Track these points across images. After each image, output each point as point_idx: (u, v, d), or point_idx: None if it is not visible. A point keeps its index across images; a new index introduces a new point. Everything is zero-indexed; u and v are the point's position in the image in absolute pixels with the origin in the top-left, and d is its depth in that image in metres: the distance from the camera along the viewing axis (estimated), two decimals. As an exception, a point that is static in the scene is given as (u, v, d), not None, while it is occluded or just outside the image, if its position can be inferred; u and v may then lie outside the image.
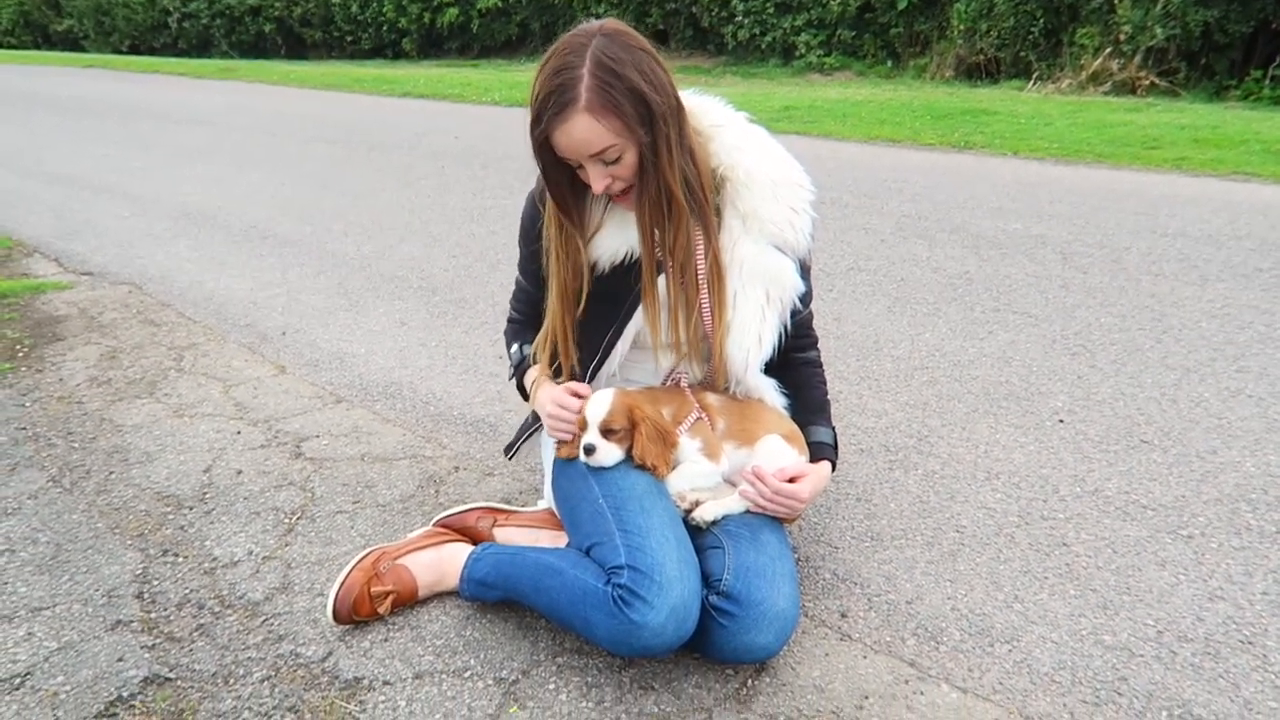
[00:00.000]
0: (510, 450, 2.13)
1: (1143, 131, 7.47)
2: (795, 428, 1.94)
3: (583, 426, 1.81)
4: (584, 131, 1.59)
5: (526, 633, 1.89)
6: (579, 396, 1.84)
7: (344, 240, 5.18)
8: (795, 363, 1.99)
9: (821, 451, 1.94)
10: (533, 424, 2.09)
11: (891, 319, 3.74)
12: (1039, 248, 4.61)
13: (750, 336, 1.82)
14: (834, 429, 2.01)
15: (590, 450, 1.79)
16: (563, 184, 1.74)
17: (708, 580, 1.70)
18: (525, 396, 2.06)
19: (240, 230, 5.46)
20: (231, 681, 1.77)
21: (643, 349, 1.95)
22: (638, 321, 1.87)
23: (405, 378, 3.29)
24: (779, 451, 1.86)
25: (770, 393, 1.95)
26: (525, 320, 2.07)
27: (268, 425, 2.90)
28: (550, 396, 1.86)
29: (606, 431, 1.79)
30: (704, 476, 1.85)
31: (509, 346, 2.07)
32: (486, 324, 3.80)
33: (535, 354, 1.94)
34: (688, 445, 1.84)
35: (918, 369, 3.25)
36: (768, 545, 1.76)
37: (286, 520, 2.34)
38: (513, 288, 2.10)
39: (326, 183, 6.79)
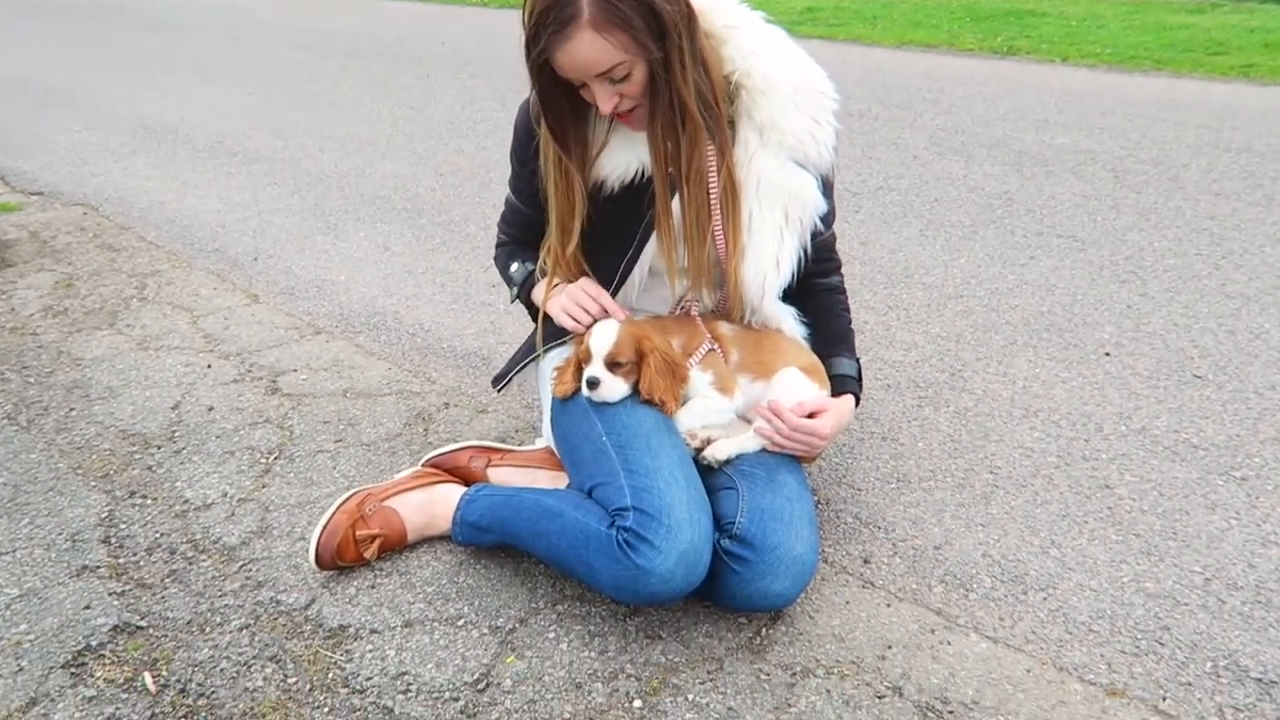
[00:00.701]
0: (500, 381, 2.12)
1: (1207, 35, 7.27)
2: (816, 359, 1.93)
3: (585, 359, 1.79)
4: (588, 50, 1.54)
5: (524, 579, 1.90)
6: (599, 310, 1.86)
7: (320, 157, 5.12)
8: (816, 289, 1.97)
9: (844, 385, 1.93)
10: (526, 355, 2.08)
11: (923, 243, 3.70)
12: (1088, 164, 4.53)
13: (767, 260, 1.80)
14: (858, 361, 2.00)
15: (594, 384, 1.77)
16: (562, 111, 1.70)
17: (720, 523, 1.70)
18: (533, 314, 2.04)
19: (205, 146, 5.39)
20: (208, 630, 1.79)
21: (654, 276, 1.93)
22: (653, 248, 1.85)
23: (390, 307, 3.27)
24: (798, 385, 1.84)
25: (789, 321, 1.93)
26: (519, 242, 2.05)
27: (240, 359, 2.89)
28: (577, 286, 1.87)
29: (612, 365, 1.77)
30: (716, 412, 1.85)
31: (505, 269, 2.04)
32: (478, 249, 3.77)
33: (543, 267, 1.94)
34: (699, 379, 1.83)
35: (951, 298, 3.22)
36: (785, 486, 1.76)
37: (263, 460, 2.35)
38: (502, 208, 2.07)
39: (299, 93, 6.68)
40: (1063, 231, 3.75)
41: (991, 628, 1.77)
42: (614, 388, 1.78)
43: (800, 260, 1.85)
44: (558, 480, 2.05)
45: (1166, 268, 3.38)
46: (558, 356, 1.99)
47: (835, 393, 1.91)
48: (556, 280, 1.91)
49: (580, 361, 1.82)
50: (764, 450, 1.84)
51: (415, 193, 4.49)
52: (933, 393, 2.63)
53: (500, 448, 2.19)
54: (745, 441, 1.84)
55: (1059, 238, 3.69)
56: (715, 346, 1.87)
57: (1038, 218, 3.91)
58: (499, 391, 2.18)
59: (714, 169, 1.74)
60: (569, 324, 1.87)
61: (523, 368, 2.09)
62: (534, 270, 1.97)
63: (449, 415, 2.55)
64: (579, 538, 1.68)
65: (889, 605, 1.83)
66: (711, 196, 1.76)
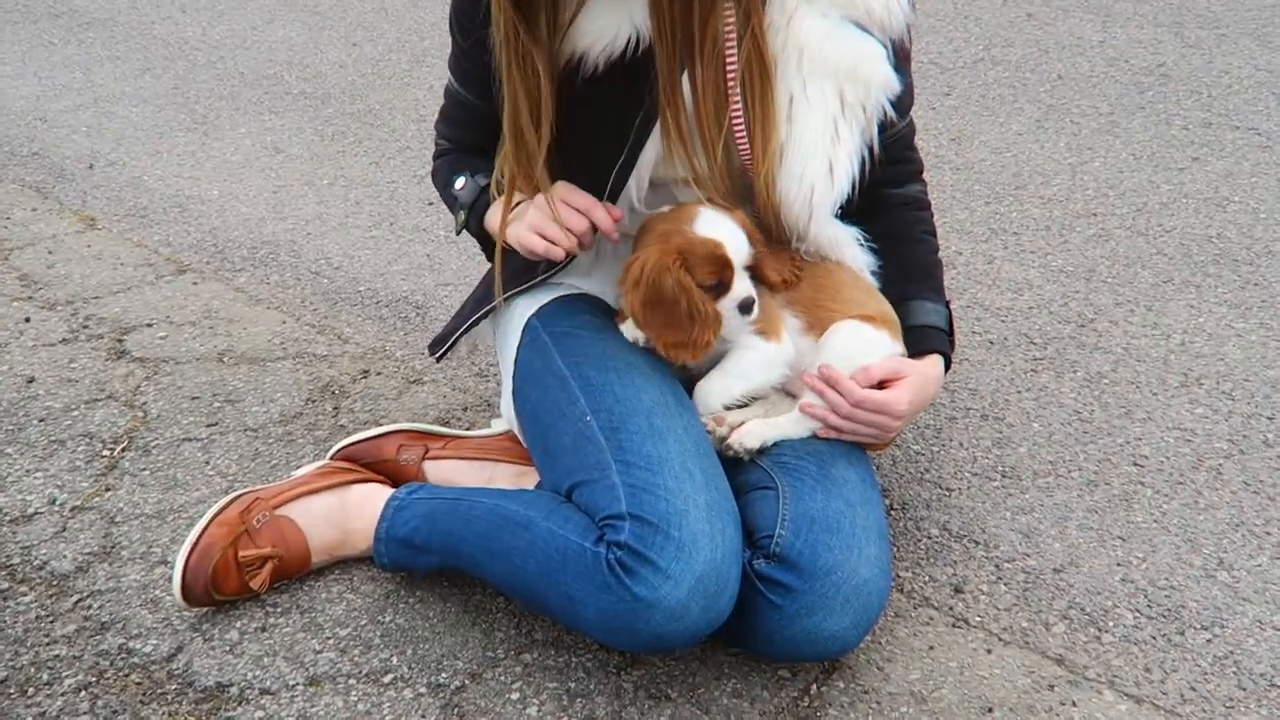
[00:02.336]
0: (440, 346, 2.12)
1: None
2: (887, 306, 1.91)
3: (715, 269, 1.76)
4: None
5: (477, 617, 1.90)
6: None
7: (181, 20, 5.09)
8: (887, 204, 1.95)
9: (927, 341, 1.92)
10: (478, 307, 2.08)
11: (1041, 139, 3.68)
12: (1277, 26, 4.49)
13: (815, 165, 1.78)
14: (948, 307, 1.99)
15: (748, 306, 1.77)
16: None
17: (752, 537, 1.70)
18: (487, 248, 2.03)
19: (14, 3, 5.35)
20: (30, 691, 1.79)
21: (657, 189, 1.92)
22: (655, 149, 1.83)
23: (283, 234, 3.25)
24: (862, 342, 1.83)
25: (851, 248, 1.91)
26: (467, 148, 2.04)
27: (72, 309, 2.89)
28: (551, 194, 1.82)
29: (752, 274, 1.79)
30: (762, 369, 1.85)
31: (447, 186, 2.03)
32: (409, 150, 3.75)
33: (499, 180, 1.91)
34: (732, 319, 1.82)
35: (1080, 217, 3.21)
36: (843, 485, 1.75)
37: (106, 452, 2.35)
38: (442, 101, 2.06)
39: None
40: (1240, 122, 3.73)
41: (1134, 682, 1.78)
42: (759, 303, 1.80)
43: (864, 162, 1.83)
44: (523, 477, 2.04)
45: (1387, 172, 3.36)
46: (527, 305, 1.98)
47: (914, 352, 1.89)
48: (518, 199, 1.89)
49: (692, 271, 1.76)
50: (814, 436, 1.83)
51: (318, 70, 4.46)
52: (1053, 352, 2.62)
53: (442, 433, 2.18)
54: (787, 424, 1.83)
55: (1234, 130, 3.67)
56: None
57: (1204, 102, 3.89)
58: (438, 360, 2.17)
59: (734, 36, 1.72)
60: (540, 248, 1.83)
61: (473, 325, 2.08)
62: (489, 186, 1.95)
63: (369, 387, 2.55)
64: (554, 558, 1.68)
65: (990, 651, 1.83)
66: (730, 75, 1.74)
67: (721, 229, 1.76)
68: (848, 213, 1.88)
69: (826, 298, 1.87)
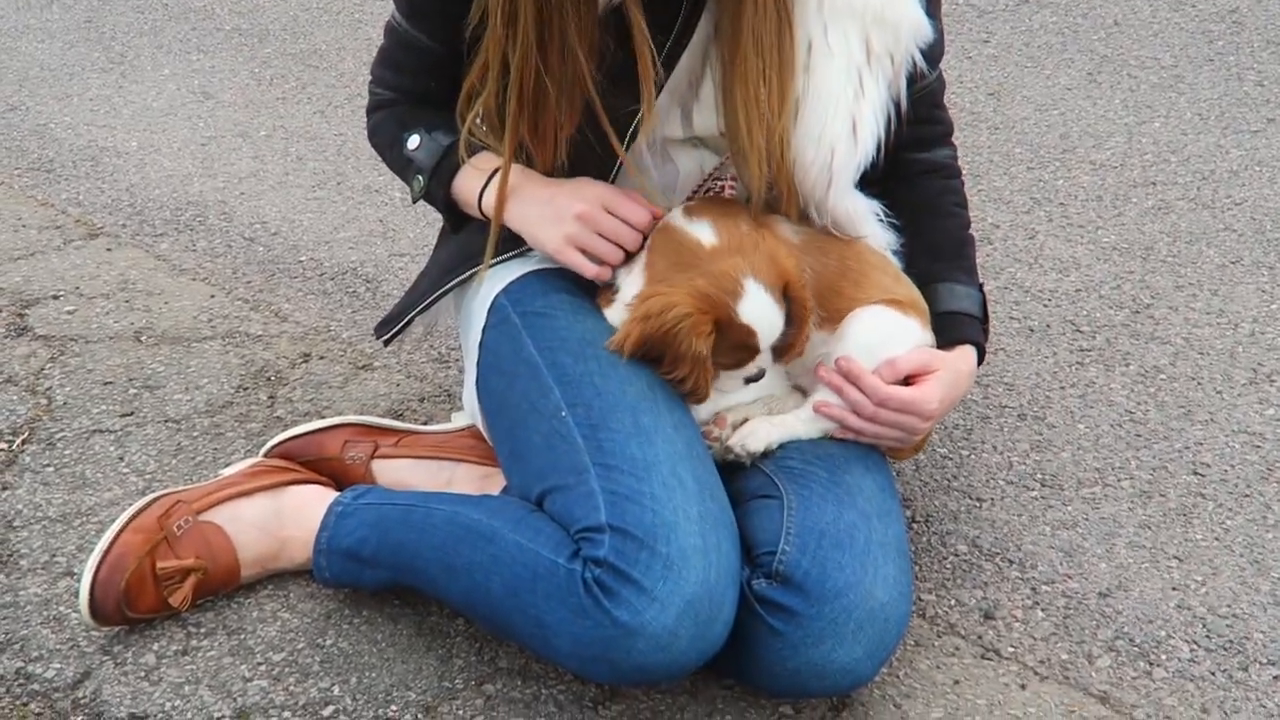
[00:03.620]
0: (388, 330, 2.11)
1: None
2: (914, 291, 1.92)
3: (742, 358, 1.79)
4: None
5: (432, 641, 1.90)
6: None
7: (94, -59, 5.05)
8: (913, 171, 1.96)
9: (958, 329, 1.92)
10: (435, 286, 2.05)
11: (1093, 95, 3.68)
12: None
13: (837, 122, 1.78)
14: (981, 289, 1.99)
15: (755, 378, 1.82)
16: None
17: (751, 554, 1.70)
18: (456, 222, 2.01)
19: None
20: (-85, 721, 1.79)
21: (667, 148, 1.92)
22: (666, 100, 1.84)
23: (213, 194, 3.24)
24: (887, 331, 1.83)
25: (870, 225, 1.91)
26: (417, 99, 2.02)
27: (-35, 277, 2.89)
28: (593, 197, 1.84)
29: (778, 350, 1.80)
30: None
31: (397, 142, 2.02)
32: (360, 98, 3.66)
33: (472, 140, 1.90)
34: None
35: (1137, 186, 3.21)
36: (857, 494, 1.75)
37: (3, 445, 2.35)
38: (383, 42, 2.04)
39: None
40: (1323, 77, 3.73)
41: (1189, 723, 1.79)
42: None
43: (890, 121, 1.83)
44: (488, 481, 2.04)
45: None
46: (495, 280, 1.97)
47: (944, 342, 1.90)
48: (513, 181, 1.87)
49: (716, 346, 1.77)
50: (828, 437, 1.84)
51: (254, 3, 4.45)
52: (1103, 342, 2.63)
53: (394, 427, 2.18)
54: (797, 423, 1.83)
55: (1316, 88, 3.67)
56: None
57: (1282, 54, 3.90)
58: (387, 345, 2.17)
59: None
60: (591, 272, 1.83)
61: (430, 305, 2.05)
62: (454, 146, 1.95)
63: (310, 373, 2.55)
64: (521, 576, 1.68)
65: (1024, 687, 1.84)
66: (740, 18, 1.74)
67: (763, 316, 1.75)
68: (868, 181, 1.88)
69: (846, 282, 1.86)
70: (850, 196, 1.86)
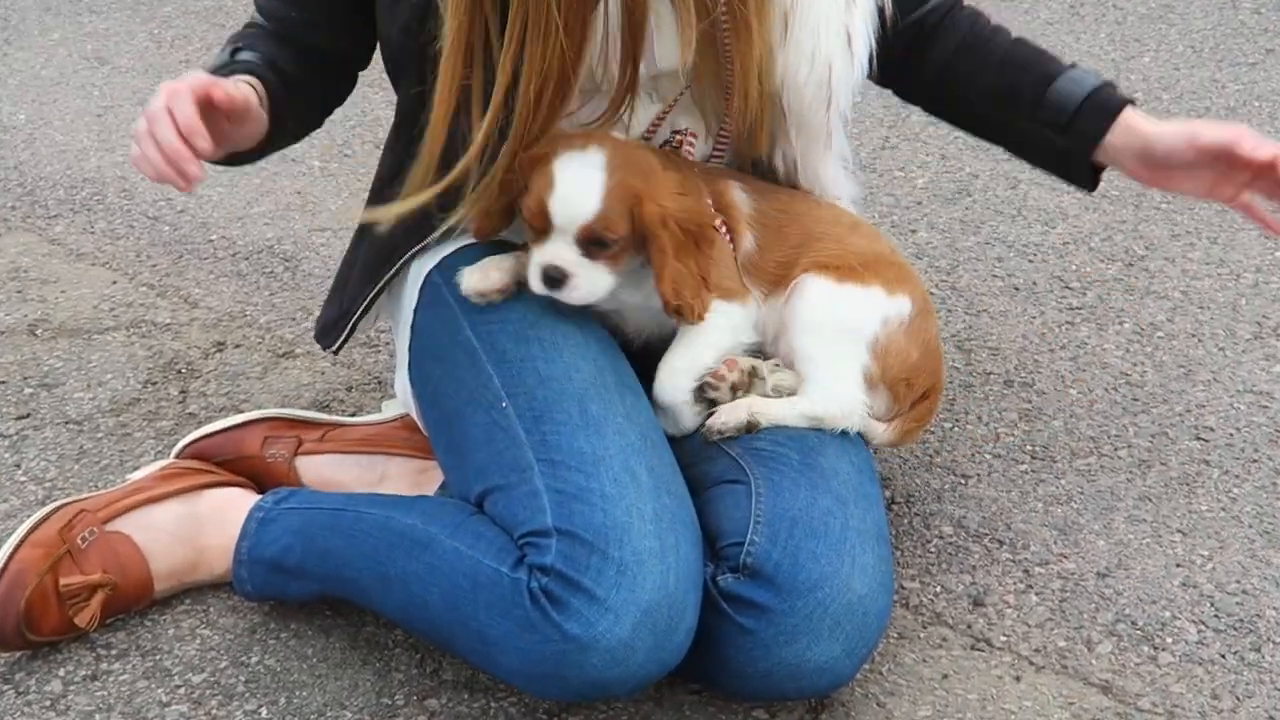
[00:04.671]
0: (334, 338, 2.09)
1: None
2: (875, 242, 1.96)
3: (538, 227, 1.79)
4: None
5: (368, 655, 1.90)
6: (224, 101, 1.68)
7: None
8: (926, 28, 2.00)
9: (1112, 101, 1.91)
10: (367, 281, 2.02)
11: (1077, 29, 3.68)
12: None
13: (830, 35, 1.81)
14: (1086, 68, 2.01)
15: (557, 279, 1.76)
16: None
17: (716, 546, 1.71)
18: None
19: None
20: None
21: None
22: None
23: (111, 170, 3.23)
24: (833, 308, 1.86)
25: (843, 181, 1.97)
26: (285, 35, 1.98)
27: None
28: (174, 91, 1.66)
29: (592, 241, 1.77)
30: (728, 334, 1.86)
31: (225, 53, 1.94)
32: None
33: (264, 60, 1.88)
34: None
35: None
36: (832, 477, 1.77)
37: (-115, 456, 2.33)
38: None
39: None
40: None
41: (1199, 711, 1.80)
42: (593, 282, 1.78)
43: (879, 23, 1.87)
44: (425, 475, 2.05)
45: None
46: (434, 252, 1.96)
47: (1106, 119, 1.91)
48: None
49: (535, 162, 1.78)
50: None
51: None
52: (1094, 299, 2.64)
53: (319, 420, 2.18)
54: (787, 413, 1.84)
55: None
56: (720, 223, 1.87)
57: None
58: (336, 353, 2.17)
59: None
60: (146, 168, 1.68)
61: (372, 303, 2.03)
62: (255, 64, 1.89)
63: (225, 364, 2.54)
64: (461, 586, 1.68)
65: (1019, 679, 1.85)
66: None
67: (569, 186, 1.75)
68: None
69: (798, 246, 1.90)
70: (838, 127, 1.92)
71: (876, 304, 1.88)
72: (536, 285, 1.78)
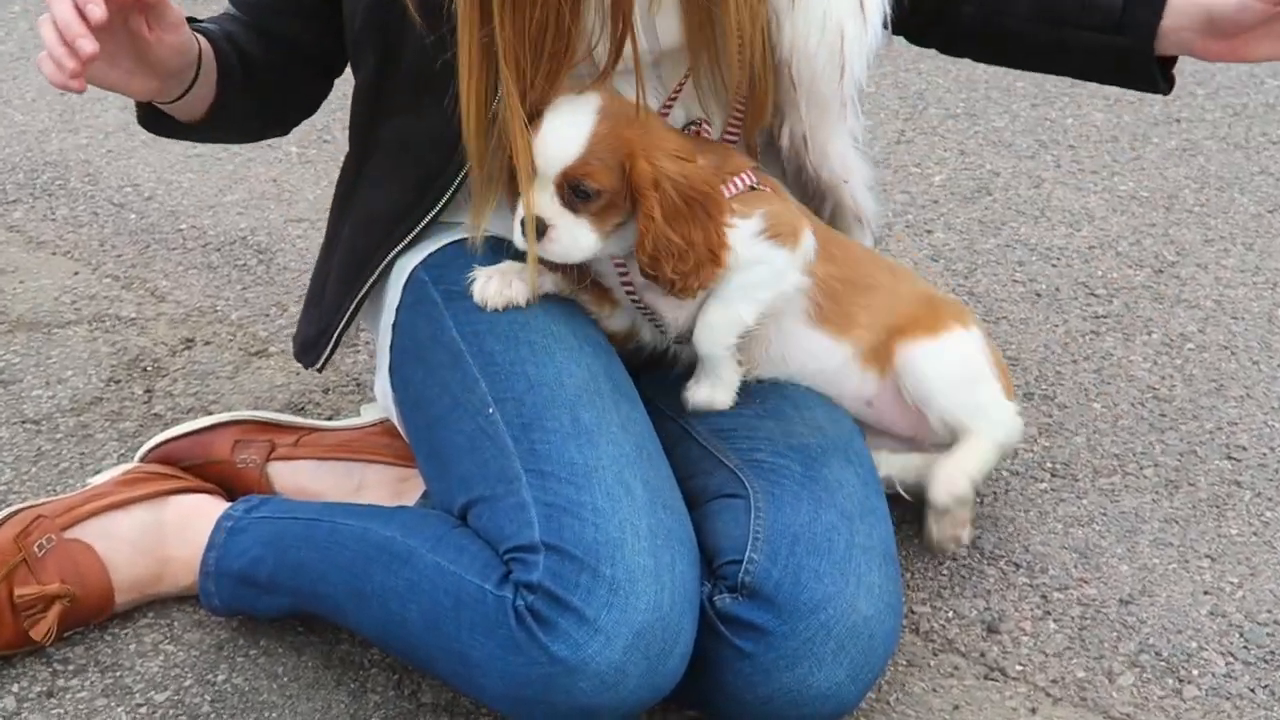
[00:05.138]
0: (315, 355, 2.08)
1: None
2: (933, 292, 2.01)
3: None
4: None
5: (342, 675, 1.90)
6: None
7: None
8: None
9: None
10: (348, 291, 2.02)
11: None
12: None
13: (839, 1, 1.81)
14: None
15: (540, 229, 1.76)
16: None
17: (713, 564, 1.71)
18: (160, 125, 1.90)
19: None
20: None
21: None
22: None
23: (75, 153, 3.24)
24: (959, 364, 1.95)
25: (860, 173, 1.98)
26: (255, 23, 1.97)
27: None
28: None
29: (575, 192, 1.77)
30: (768, 281, 1.86)
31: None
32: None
33: (223, 32, 1.87)
34: (743, 231, 1.82)
35: (1158, 124, 3.22)
36: (837, 491, 1.77)
37: None
38: None
39: None
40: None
41: (1227, 751, 1.81)
42: (575, 238, 1.77)
43: None
44: (404, 485, 2.05)
45: None
46: (411, 251, 1.96)
47: (1150, 4, 1.91)
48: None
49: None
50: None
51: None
52: (1121, 307, 2.64)
53: (294, 424, 2.18)
54: (988, 441, 1.94)
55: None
56: (760, 183, 1.87)
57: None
58: (320, 371, 2.15)
59: None
60: (44, 64, 1.58)
61: (354, 314, 2.02)
62: (211, 30, 1.88)
63: (194, 362, 2.54)
64: (443, 604, 1.68)
65: (1035, 710, 1.84)
66: None
67: (553, 130, 1.76)
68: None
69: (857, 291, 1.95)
70: (852, 102, 1.91)
71: (972, 340, 1.96)
72: (518, 238, 1.78)
